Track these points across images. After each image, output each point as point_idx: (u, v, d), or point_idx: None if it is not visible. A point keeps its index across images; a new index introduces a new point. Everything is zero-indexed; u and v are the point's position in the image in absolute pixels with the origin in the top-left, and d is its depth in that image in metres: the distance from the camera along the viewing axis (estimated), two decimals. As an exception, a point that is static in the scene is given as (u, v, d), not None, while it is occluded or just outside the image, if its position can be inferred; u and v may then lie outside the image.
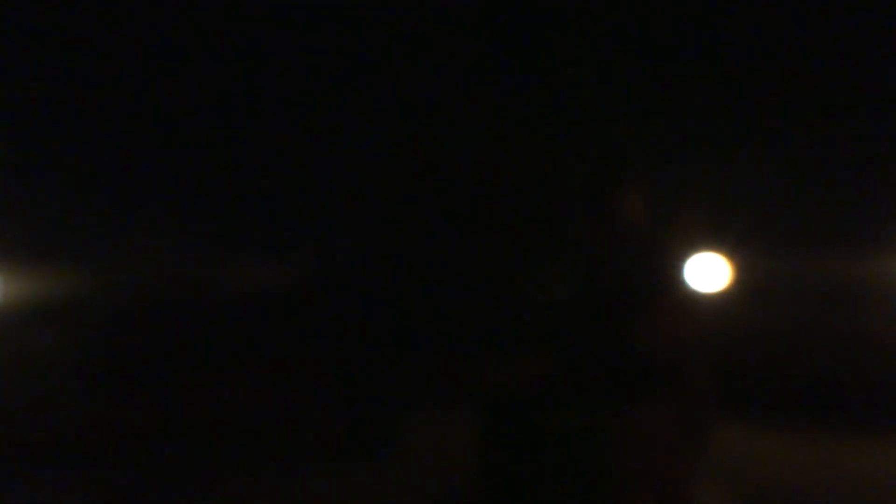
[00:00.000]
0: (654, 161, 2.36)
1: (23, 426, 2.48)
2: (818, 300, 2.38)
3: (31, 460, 2.50)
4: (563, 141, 2.35)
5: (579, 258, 2.21)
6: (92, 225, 2.43)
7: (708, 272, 2.38)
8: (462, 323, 2.40)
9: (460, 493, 2.43)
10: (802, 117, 2.34)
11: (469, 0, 2.35)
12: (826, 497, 2.35)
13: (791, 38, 2.33)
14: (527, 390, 2.35)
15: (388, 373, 2.46)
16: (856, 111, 2.32)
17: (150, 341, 2.48)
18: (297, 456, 2.58)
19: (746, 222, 2.35)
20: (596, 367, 2.15)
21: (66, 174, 2.43)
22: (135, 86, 2.42)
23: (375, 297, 2.43)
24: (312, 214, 2.48)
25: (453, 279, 2.41)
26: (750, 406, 2.43)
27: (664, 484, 2.22)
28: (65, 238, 2.42)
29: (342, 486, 2.46)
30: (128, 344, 2.46)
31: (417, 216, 2.45)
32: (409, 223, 2.46)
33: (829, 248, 2.37)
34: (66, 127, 2.41)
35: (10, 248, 2.40)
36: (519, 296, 2.35)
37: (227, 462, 2.57)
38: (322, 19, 2.39)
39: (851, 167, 2.35)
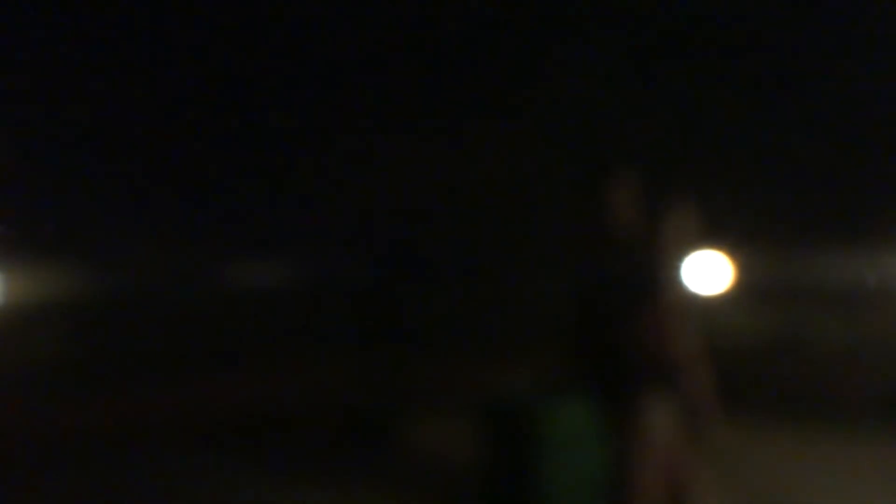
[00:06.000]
0: (654, 162, 2.36)
1: (23, 426, 2.49)
2: (818, 300, 2.38)
3: (30, 460, 2.50)
4: (563, 142, 2.35)
5: (578, 259, 2.21)
6: (92, 225, 2.43)
7: (708, 272, 2.38)
8: (461, 324, 2.40)
9: (459, 493, 2.44)
10: (802, 118, 2.34)
11: (468, 1, 2.35)
12: (824, 496, 2.36)
13: (791, 39, 2.33)
14: (526, 391, 2.36)
15: (389, 373, 2.47)
16: (855, 112, 2.32)
17: (150, 341, 2.48)
18: (296, 456, 2.58)
19: (746, 222, 2.35)
20: (596, 367, 2.14)
21: (67, 175, 2.43)
22: (135, 88, 2.43)
23: (375, 299, 2.43)
24: (314, 216, 2.49)
25: (452, 281, 2.41)
26: (749, 406, 2.44)
27: (664, 483, 2.22)
28: (65, 238, 2.42)
29: (342, 485, 2.46)
30: (128, 344, 2.47)
31: (417, 218, 2.45)
32: (409, 225, 2.46)
33: (829, 248, 2.37)
34: (67, 128, 2.42)
35: (10, 248, 2.40)
36: (518, 297, 2.35)
37: (227, 461, 2.57)
38: (323, 21, 2.40)
39: (851, 167, 2.35)
